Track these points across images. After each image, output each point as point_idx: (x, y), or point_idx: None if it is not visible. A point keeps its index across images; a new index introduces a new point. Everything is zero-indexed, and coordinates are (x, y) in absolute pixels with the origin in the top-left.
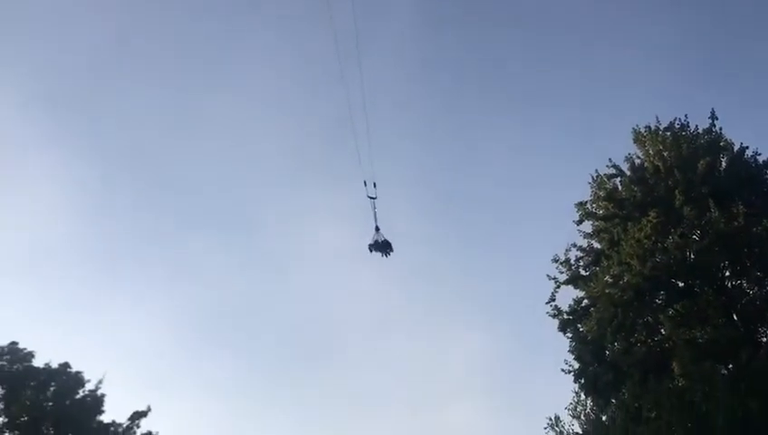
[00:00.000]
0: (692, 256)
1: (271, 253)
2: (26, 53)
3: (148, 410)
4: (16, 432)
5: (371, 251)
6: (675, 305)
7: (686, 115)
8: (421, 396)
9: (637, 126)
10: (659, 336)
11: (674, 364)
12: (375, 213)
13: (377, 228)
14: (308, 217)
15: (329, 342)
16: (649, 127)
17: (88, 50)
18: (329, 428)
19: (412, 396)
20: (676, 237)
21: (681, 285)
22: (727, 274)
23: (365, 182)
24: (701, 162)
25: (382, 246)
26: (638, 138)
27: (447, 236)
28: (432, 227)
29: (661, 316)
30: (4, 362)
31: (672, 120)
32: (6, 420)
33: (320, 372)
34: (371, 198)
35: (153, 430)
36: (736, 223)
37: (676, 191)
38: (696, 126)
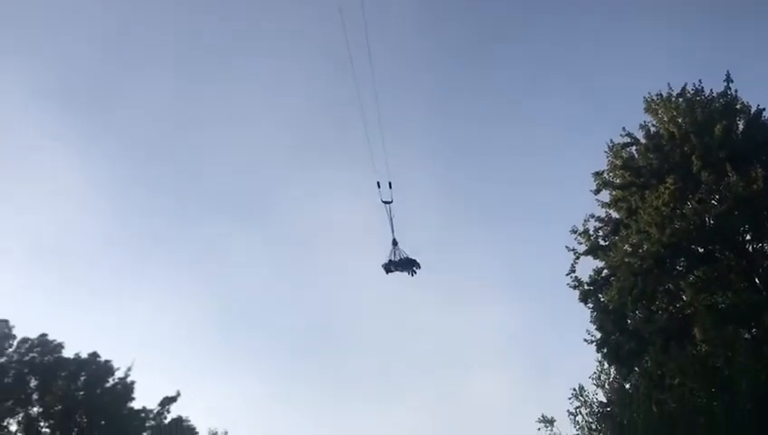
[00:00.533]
0: (711, 222)
1: (290, 233)
2: (34, 45)
3: (178, 395)
4: (51, 421)
5: (388, 272)
6: (695, 271)
7: (699, 80)
8: (444, 371)
9: (648, 94)
10: (680, 303)
11: (696, 330)
12: (392, 221)
13: (394, 242)
14: (323, 196)
15: (351, 318)
16: (661, 94)
17: (96, 41)
18: (354, 403)
19: (435, 370)
20: (694, 203)
21: (701, 250)
22: (748, 238)
23: (378, 184)
24: (717, 126)
25: (404, 265)
26: (650, 106)
27: (465, 210)
28: (448, 200)
29: (682, 283)
30: (35, 354)
31: (684, 85)
32: (41, 410)
33: (344, 349)
34: (386, 202)
35: (183, 415)
36: (755, 186)
37: (693, 157)
38: (711, 90)
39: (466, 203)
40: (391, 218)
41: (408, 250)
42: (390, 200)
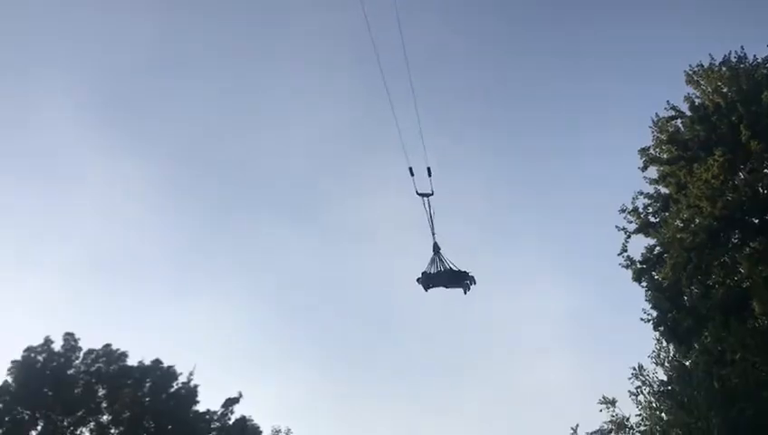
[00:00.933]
0: (764, 191)
1: (343, 232)
2: (75, 58)
3: (240, 396)
4: (121, 428)
5: (427, 288)
6: (751, 243)
7: (741, 47)
8: (501, 363)
9: (690, 66)
10: (738, 276)
11: (755, 303)
12: (432, 220)
13: (435, 248)
14: (376, 193)
15: (406, 316)
16: (702, 65)
17: (137, 50)
18: (410, 399)
19: (492, 363)
20: (745, 174)
21: (756, 221)
22: None
23: (411, 170)
24: (765, 93)
25: (449, 279)
26: (691, 78)
27: (513, 195)
28: (490, 186)
29: (737, 256)
30: (101, 364)
31: (727, 53)
32: (111, 417)
33: (398, 343)
34: (423, 195)
35: (246, 415)
36: None
37: (741, 126)
38: (755, 56)
39: (509, 188)
40: (431, 216)
41: (455, 249)
42: (430, 193)
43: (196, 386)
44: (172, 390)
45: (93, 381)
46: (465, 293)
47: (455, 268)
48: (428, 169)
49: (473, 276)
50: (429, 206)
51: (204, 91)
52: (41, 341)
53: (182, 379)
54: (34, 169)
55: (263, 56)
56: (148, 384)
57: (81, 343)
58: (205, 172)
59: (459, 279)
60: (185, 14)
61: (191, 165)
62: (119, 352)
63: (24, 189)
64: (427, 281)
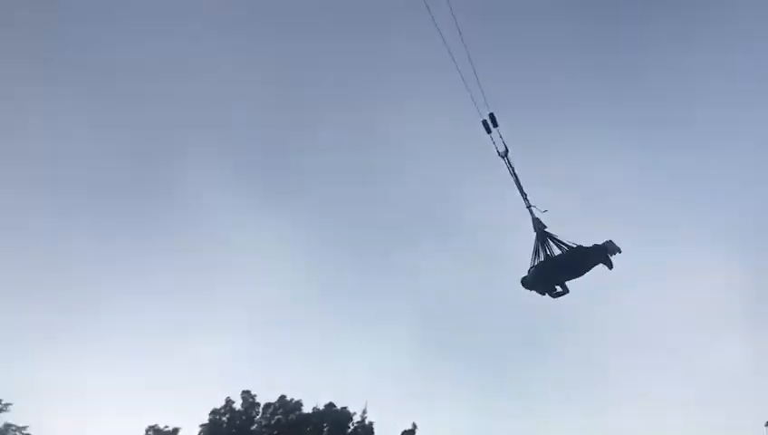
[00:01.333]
0: None
1: (480, 247)
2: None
3: (414, 427)
4: None
5: (543, 290)
6: None
7: None
8: (670, 353)
9: None
10: None
11: None
12: (519, 183)
13: (537, 226)
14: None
15: (552, 317)
16: None
17: (272, 106)
18: (580, 403)
19: (665, 352)
20: None
21: None
22: None
23: (485, 125)
24: None
25: (572, 263)
26: None
27: (661, 185)
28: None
29: None
30: (280, 416)
31: None
32: None
33: (554, 350)
34: (502, 155)
35: None
36: None
37: None
38: None
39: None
40: (516, 177)
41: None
42: (504, 150)
43: (371, 423)
44: (349, 430)
45: (275, 433)
46: (611, 267)
47: (574, 246)
48: (491, 115)
49: (610, 241)
50: (510, 165)
51: (332, 133)
52: (222, 402)
53: (356, 418)
54: (189, 237)
55: (382, 95)
56: (326, 428)
57: (258, 399)
58: (344, 214)
59: (593, 256)
60: (310, 68)
61: (331, 210)
62: (294, 401)
63: (183, 259)
64: (539, 277)
